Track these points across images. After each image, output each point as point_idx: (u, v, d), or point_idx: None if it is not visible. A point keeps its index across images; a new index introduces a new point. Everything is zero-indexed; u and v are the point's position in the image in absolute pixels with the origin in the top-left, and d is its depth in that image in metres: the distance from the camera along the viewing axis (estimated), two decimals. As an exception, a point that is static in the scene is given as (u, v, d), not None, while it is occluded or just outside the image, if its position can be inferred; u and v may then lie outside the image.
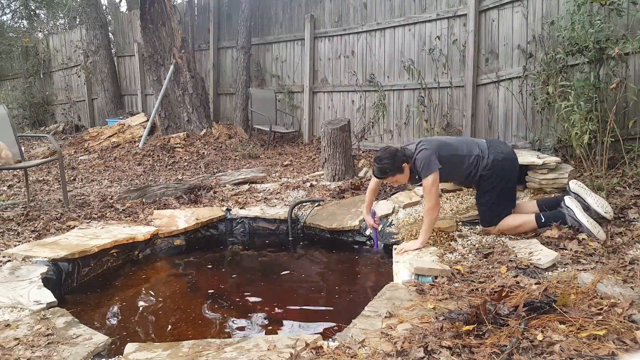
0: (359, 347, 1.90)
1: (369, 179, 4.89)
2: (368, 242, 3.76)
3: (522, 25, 5.26)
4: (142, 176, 6.13)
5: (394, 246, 3.27)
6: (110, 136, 8.53)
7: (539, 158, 3.92)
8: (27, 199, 4.55)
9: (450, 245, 3.13)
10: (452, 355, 1.75)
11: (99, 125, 10.17)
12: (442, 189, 4.23)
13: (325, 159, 4.99)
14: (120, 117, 9.63)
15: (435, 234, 3.34)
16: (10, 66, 13.21)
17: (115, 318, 2.73)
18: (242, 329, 2.56)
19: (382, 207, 3.91)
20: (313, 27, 7.90)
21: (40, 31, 14.55)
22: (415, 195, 4.08)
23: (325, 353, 1.89)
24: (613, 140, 3.76)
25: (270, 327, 2.55)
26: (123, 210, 4.31)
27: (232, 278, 3.43)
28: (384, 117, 7.08)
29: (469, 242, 3.18)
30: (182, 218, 4.00)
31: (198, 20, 9.63)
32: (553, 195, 3.78)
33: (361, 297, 2.87)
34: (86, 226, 3.80)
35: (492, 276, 2.55)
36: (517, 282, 2.38)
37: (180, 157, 6.96)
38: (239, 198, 4.57)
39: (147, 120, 8.49)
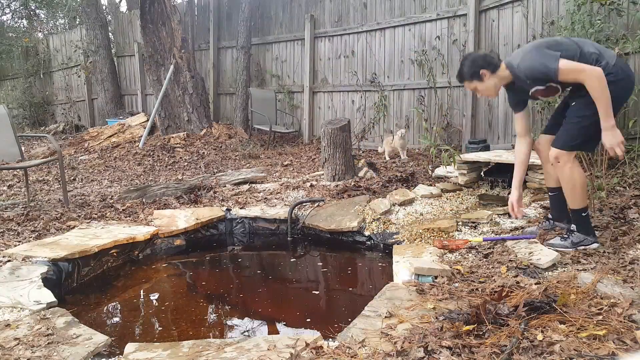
0: (359, 347, 1.90)
1: (369, 179, 4.88)
2: (368, 243, 3.75)
3: (522, 25, 5.26)
4: (142, 176, 6.13)
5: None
6: (110, 136, 8.54)
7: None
8: (27, 199, 4.54)
9: (450, 245, 3.13)
10: (452, 355, 1.75)
11: (99, 125, 10.17)
12: (441, 189, 4.23)
13: (325, 159, 4.99)
14: (120, 117, 9.63)
15: (435, 234, 3.34)
16: (10, 66, 13.22)
17: (116, 318, 2.73)
18: (242, 329, 2.56)
19: (380, 205, 3.90)
20: (313, 27, 7.90)
21: (40, 31, 14.57)
22: (409, 193, 4.09)
23: (325, 353, 1.88)
24: (613, 140, 3.75)
25: (270, 327, 2.56)
26: (123, 210, 4.31)
27: (232, 278, 3.43)
28: (384, 117, 7.09)
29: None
30: (182, 218, 4.00)
31: (198, 20, 9.63)
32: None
33: (361, 297, 2.87)
34: (86, 226, 3.80)
35: (492, 276, 2.55)
36: (517, 282, 2.38)
37: (180, 157, 6.96)
38: (239, 198, 4.57)
39: (147, 120, 8.49)
